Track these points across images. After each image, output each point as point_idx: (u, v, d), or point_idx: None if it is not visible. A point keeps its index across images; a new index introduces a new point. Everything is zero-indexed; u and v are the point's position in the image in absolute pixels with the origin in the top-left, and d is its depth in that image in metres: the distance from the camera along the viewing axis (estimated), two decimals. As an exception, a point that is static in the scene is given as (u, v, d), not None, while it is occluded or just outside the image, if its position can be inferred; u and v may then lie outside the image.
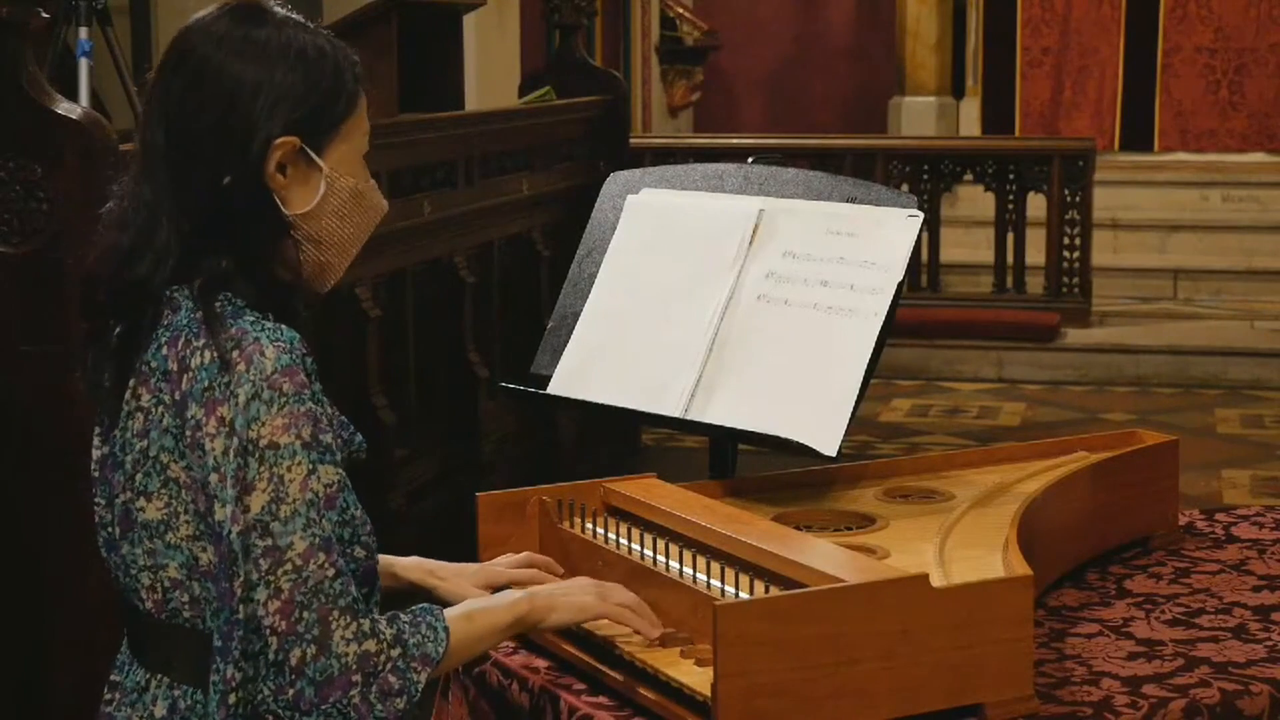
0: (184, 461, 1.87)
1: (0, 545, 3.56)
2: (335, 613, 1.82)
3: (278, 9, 1.96)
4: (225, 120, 1.89)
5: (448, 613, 1.93)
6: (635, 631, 2.02)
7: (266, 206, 1.92)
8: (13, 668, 3.57)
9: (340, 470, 1.87)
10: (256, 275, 1.91)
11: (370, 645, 1.83)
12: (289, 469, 1.82)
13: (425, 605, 1.94)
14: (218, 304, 1.89)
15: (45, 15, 3.59)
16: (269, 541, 1.81)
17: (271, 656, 1.81)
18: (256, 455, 1.82)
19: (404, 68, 5.62)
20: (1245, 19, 10.95)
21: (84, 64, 5.42)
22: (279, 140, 1.91)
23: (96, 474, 2.00)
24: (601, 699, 2.00)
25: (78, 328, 3.40)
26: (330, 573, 1.83)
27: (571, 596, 2.02)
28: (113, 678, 2.02)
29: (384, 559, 2.14)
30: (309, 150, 1.93)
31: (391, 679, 1.84)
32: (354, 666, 1.82)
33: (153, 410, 1.90)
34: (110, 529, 1.97)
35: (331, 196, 1.97)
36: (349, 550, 1.89)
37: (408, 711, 1.87)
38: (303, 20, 1.97)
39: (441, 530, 5.12)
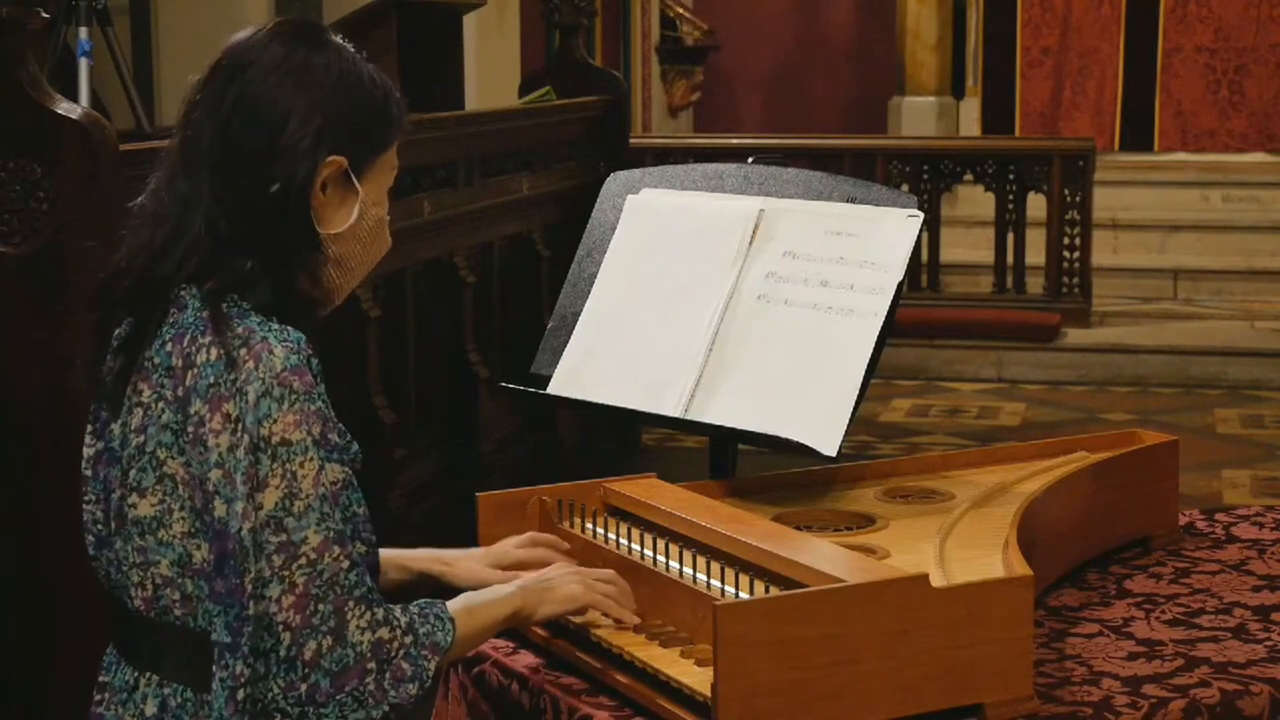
0: (183, 458, 1.88)
1: (0, 543, 3.56)
2: (350, 603, 1.85)
3: (332, 35, 1.99)
4: (279, 135, 1.92)
5: (450, 605, 1.97)
6: (615, 620, 2.05)
7: (304, 220, 1.95)
8: (11, 666, 3.57)
9: (346, 469, 1.89)
10: (277, 282, 1.93)
11: (384, 633, 1.86)
12: (301, 465, 1.84)
13: (428, 600, 1.96)
14: (224, 305, 1.90)
15: (45, 15, 3.58)
16: (283, 537, 1.83)
17: (283, 652, 1.83)
18: (269, 452, 1.83)
19: (404, 68, 5.62)
20: (1245, 19, 10.94)
21: (84, 64, 5.42)
22: (330, 159, 1.94)
23: (89, 471, 2.00)
24: (601, 699, 2.00)
25: (79, 326, 3.40)
26: (345, 565, 1.85)
27: (560, 589, 2.06)
28: (101, 678, 2.02)
29: (392, 552, 2.16)
30: (352, 174, 1.96)
31: (404, 665, 1.87)
32: (368, 654, 1.85)
33: (152, 406, 1.91)
34: (101, 526, 1.98)
35: (363, 221, 2.01)
36: (352, 545, 1.89)
37: (419, 699, 1.89)
38: (353, 49, 2.01)
39: (441, 530, 5.10)
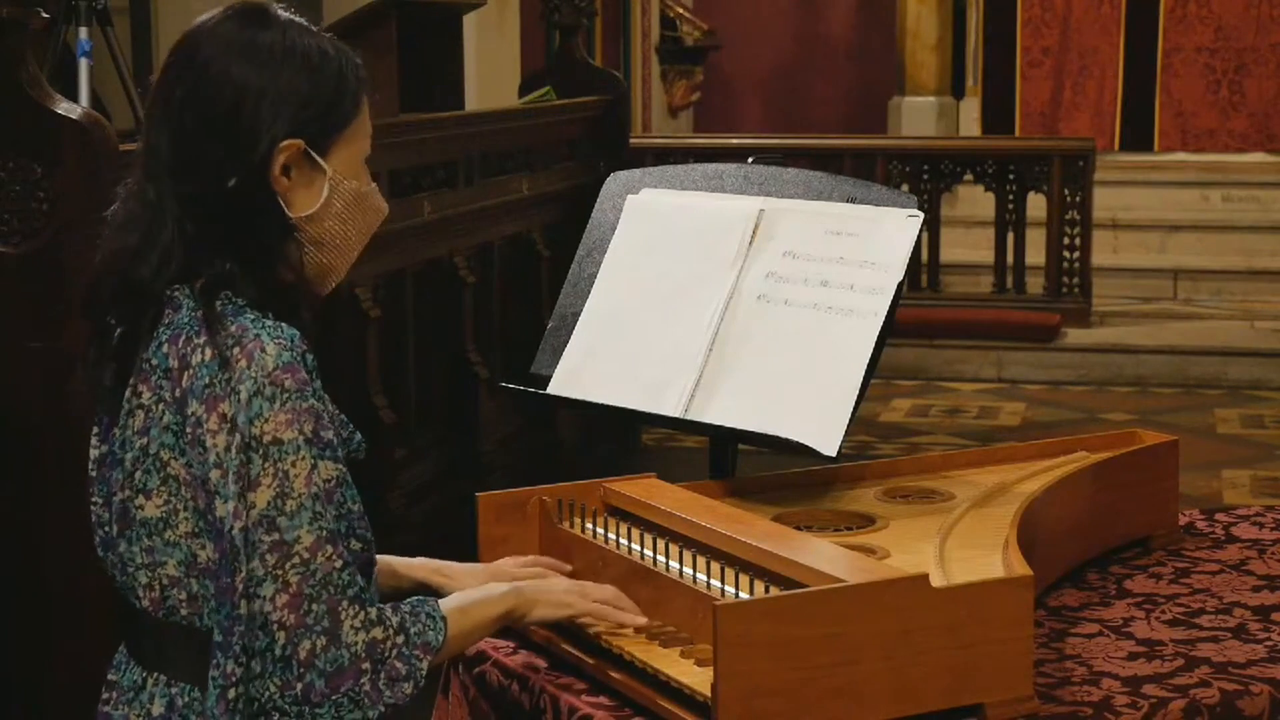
0: (184, 458, 1.88)
1: (0, 543, 3.56)
2: (344, 603, 1.84)
3: (282, 12, 1.97)
4: (230, 123, 1.90)
5: (442, 604, 1.97)
6: (618, 626, 2.04)
7: (271, 209, 1.93)
8: (10, 666, 3.57)
9: (340, 466, 1.89)
10: (258, 276, 1.92)
11: (378, 633, 1.86)
12: (293, 464, 1.83)
13: (420, 598, 1.96)
14: (218, 303, 1.89)
15: (45, 15, 3.59)
16: (275, 536, 1.83)
17: (278, 652, 1.83)
18: (260, 451, 1.83)
19: (404, 68, 5.62)
20: (1245, 19, 10.95)
21: (84, 64, 5.42)
22: (284, 143, 1.92)
23: (94, 473, 2.00)
24: (601, 699, 2.00)
25: (78, 327, 3.40)
26: (338, 564, 1.85)
27: (555, 595, 2.06)
28: (110, 676, 2.02)
29: (389, 559, 2.16)
30: (313, 153, 1.94)
31: (398, 665, 1.87)
32: (363, 654, 1.85)
33: (153, 408, 1.90)
34: (107, 528, 1.98)
35: (335, 199, 1.98)
36: (345, 543, 1.90)
37: (414, 698, 1.88)
38: (306, 23, 1.98)
39: (441, 530, 5.12)
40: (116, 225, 1.97)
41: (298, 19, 1.98)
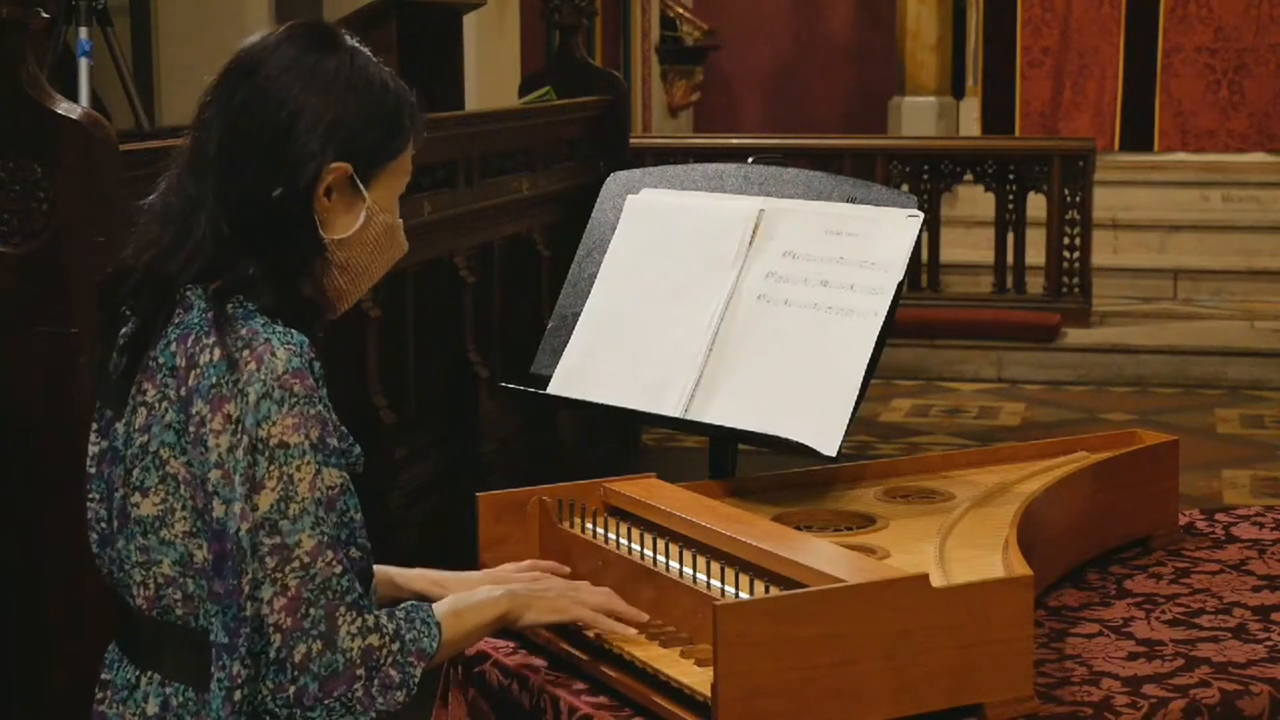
0: (185, 457, 1.88)
1: (0, 543, 3.56)
2: (342, 609, 1.85)
3: (347, 37, 1.99)
4: (283, 140, 1.92)
5: (436, 609, 1.97)
6: (611, 632, 2.03)
7: (307, 226, 1.95)
8: (11, 666, 3.57)
9: (344, 474, 1.89)
10: (280, 286, 1.93)
11: (374, 640, 1.86)
12: (298, 468, 1.84)
13: (415, 603, 1.97)
14: (230, 306, 1.90)
15: (45, 15, 3.59)
16: (277, 539, 1.83)
17: (273, 654, 1.83)
18: (266, 454, 1.83)
19: (404, 68, 5.62)
20: (1245, 19, 10.95)
21: (84, 64, 5.43)
22: (333, 165, 1.94)
23: (93, 469, 2.01)
24: (601, 699, 2.00)
25: (77, 326, 3.41)
26: (337, 570, 1.85)
27: (549, 599, 2.06)
28: (103, 676, 2.03)
29: (387, 570, 2.16)
30: (358, 180, 1.95)
31: (392, 672, 1.87)
32: (358, 660, 1.85)
33: (156, 405, 1.91)
34: (105, 524, 1.98)
35: (369, 228, 2.00)
36: (345, 551, 1.90)
37: (405, 704, 1.89)
38: (369, 52, 2.00)
39: (441, 531, 5.12)
40: (153, 215, 1.98)
41: (362, 47, 2.00)
